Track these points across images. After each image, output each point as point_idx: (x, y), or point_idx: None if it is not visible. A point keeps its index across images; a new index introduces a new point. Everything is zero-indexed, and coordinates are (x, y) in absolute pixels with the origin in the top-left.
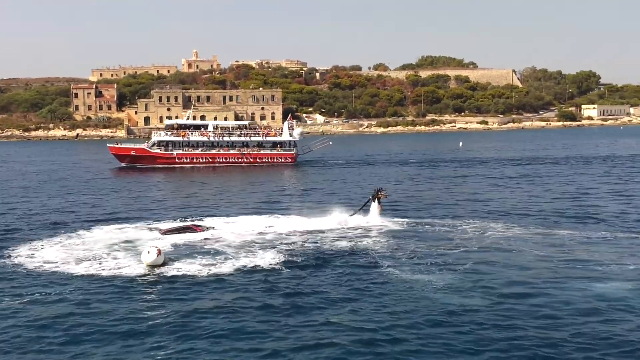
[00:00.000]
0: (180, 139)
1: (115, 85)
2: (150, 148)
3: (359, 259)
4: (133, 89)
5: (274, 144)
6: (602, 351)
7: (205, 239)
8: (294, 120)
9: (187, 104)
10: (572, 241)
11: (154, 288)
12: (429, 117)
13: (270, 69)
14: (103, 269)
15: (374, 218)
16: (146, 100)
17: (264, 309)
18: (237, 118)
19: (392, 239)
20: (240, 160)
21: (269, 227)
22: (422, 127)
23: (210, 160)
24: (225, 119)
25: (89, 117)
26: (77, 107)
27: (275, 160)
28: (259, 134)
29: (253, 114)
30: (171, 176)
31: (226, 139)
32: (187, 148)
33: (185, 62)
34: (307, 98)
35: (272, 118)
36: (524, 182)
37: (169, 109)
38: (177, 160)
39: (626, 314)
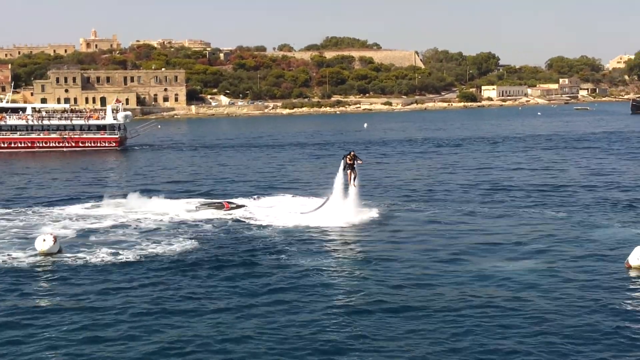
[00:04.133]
0: None
1: (10, 66)
2: None
3: (262, 245)
4: (28, 70)
5: (98, 128)
6: (502, 334)
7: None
8: (120, 103)
9: (86, 84)
10: (480, 218)
11: (47, 277)
12: (334, 98)
13: (172, 49)
14: None
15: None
16: (42, 81)
17: (161, 299)
18: (139, 99)
19: (296, 224)
20: (61, 144)
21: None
22: (328, 109)
23: (29, 145)
24: (127, 100)
25: None
26: None
27: (98, 145)
28: (81, 117)
29: (156, 95)
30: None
31: (46, 122)
32: (4, 132)
33: (83, 41)
34: (211, 79)
35: (176, 99)
36: (429, 161)
37: (66, 90)
38: None
39: (527, 300)
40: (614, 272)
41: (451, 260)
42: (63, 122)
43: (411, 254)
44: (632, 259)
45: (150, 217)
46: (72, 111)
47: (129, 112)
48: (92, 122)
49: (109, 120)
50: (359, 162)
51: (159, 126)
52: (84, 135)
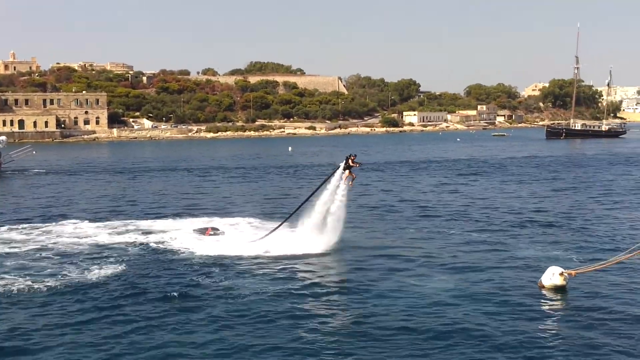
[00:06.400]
0: None
1: None
2: None
3: (189, 266)
4: None
5: None
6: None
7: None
8: None
9: (3, 107)
10: (404, 241)
11: None
12: (259, 122)
13: (94, 72)
14: None
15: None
16: None
17: (85, 327)
18: (58, 122)
19: (217, 246)
20: None
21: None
22: (252, 133)
23: None
24: (46, 123)
25: None
26: None
27: None
28: None
29: (76, 118)
30: None
31: None
32: None
33: (1, 63)
34: (133, 102)
35: (97, 122)
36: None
37: None
38: None
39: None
40: (527, 291)
41: (377, 280)
42: None
43: (330, 273)
44: (544, 279)
45: (69, 241)
46: None
47: (3, 137)
48: None
49: None
50: (358, 165)
51: (34, 152)
52: None
